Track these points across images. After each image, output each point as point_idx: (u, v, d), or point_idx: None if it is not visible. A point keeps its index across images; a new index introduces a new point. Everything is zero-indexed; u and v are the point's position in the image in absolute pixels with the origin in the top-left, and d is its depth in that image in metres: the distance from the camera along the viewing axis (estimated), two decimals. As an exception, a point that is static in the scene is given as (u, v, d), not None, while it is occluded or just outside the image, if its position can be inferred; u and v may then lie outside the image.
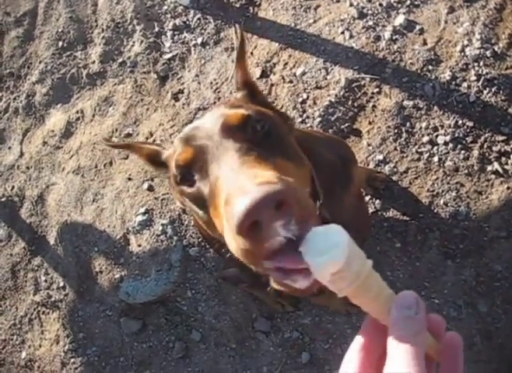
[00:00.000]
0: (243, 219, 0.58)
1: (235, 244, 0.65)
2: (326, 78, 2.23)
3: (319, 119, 2.16)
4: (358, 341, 0.57)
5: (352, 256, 0.53)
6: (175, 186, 0.94)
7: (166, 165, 1.08)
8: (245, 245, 0.61)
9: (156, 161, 1.11)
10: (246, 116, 0.90)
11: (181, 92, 2.55)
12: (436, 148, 1.99)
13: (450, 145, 1.98)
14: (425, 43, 2.13)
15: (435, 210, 1.96)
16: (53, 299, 2.60)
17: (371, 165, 2.06)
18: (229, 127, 0.88)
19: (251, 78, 1.15)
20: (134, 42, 2.79)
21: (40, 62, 3.07)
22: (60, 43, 3.02)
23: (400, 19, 2.18)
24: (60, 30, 3.04)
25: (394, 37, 2.18)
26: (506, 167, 1.91)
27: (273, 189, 0.59)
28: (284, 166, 0.84)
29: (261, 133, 0.89)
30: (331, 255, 0.53)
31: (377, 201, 2.02)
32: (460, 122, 1.99)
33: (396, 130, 2.05)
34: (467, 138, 1.97)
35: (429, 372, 0.52)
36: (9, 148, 3.05)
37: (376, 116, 2.11)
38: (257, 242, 0.59)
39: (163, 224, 2.36)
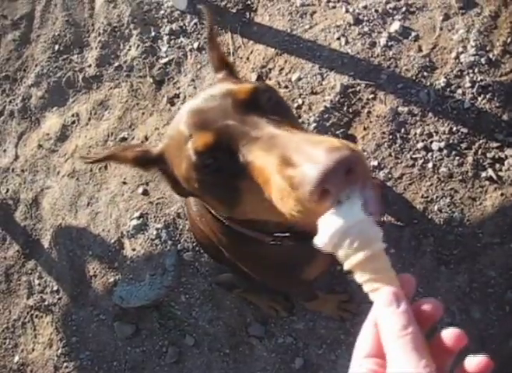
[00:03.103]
0: (317, 187, 0.59)
1: (296, 207, 0.65)
2: (321, 84, 2.23)
3: (314, 124, 2.16)
4: (371, 319, 0.58)
5: (354, 233, 0.57)
6: (194, 176, 0.87)
7: (160, 162, 1.00)
8: (309, 209, 0.63)
9: (146, 162, 1.03)
10: (254, 89, 0.86)
11: (177, 96, 2.56)
12: (430, 154, 2.00)
13: (445, 151, 1.98)
14: (420, 50, 2.14)
15: (429, 217, 1.96)
16: (46, 303, 2.59)
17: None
18: (242, 103, 0.83)
19: (227, 57, 1.12)
20: (130, 46, 2.79)
21: (36, 65, 3.06)
22: (56, 47, 3.02)
23: (395, 26, 2.19)
24: (56, 34, 3.04)
25: (389, 44, 2.18)
26: (500, 173, 1.92)
27: (346, 155, 0.59)
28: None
29: (271, 104, 0.86)
30: (331, 229, 0.58)
31: (372, 207, 2.01)
32: (454, 128, 2.00)
33: (391, 136, 2.06)
34: (461, 145, 1.98)
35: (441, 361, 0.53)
36: (4, 151, 3.04)
37: (371, 122, 2.11)
38: (323, 207, 0.60)
39: (157, 229, 2.35)
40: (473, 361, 0.52)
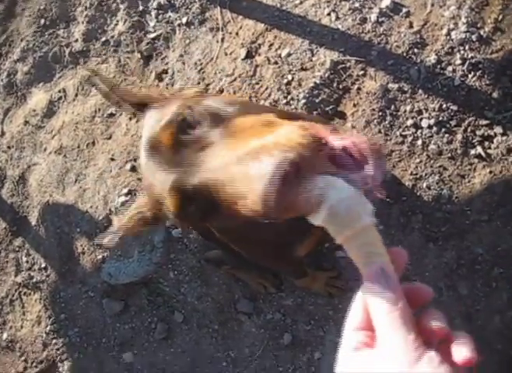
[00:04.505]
0: (265, 212, 0.63)
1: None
2: (311, 60, 2.21)
3: (304, 101, 2.15)
4: (361, 293, 0.59)
5: (343, 208, 0.58)
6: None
7: (160, 217, 1.00)
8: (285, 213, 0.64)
9: (151, 222, 1.04)
10: (172, 132, 0.84)
11: (165, 72, 2.53)
12: (420, 131, 2.00)
13: (434, 129, 1.98)
14: (411, 26, 2.12)
15: (418, 194, 1.96)
16: (34, 280, 2.59)
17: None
18: (172, 147, 0.83)
19: (138, 95, 1.09)
20: (117, 21, 2.74)
21: (21, 40, 3.01)
22: (42, 21, 2.96)
23: (386, 2, 2.17)
24: (42, 8, 2.98)
25: (380, 20, 2.16)
26: (489, 151, 1.92)
27: (282, 159, 0.60)
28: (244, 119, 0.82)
29: (196, 125, 0.83)
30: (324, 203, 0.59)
31: (361, 184, 2.01)
32: (444, 106, 1.99)
33: (380, 113, 2.05)
34: (451, 122, 1.98)
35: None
36: (-10, 127, 3.01)
37: (360, 98, 2.10)
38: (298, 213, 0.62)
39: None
40: (460, 353, 0.53)
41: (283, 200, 0.61)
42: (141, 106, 1.05)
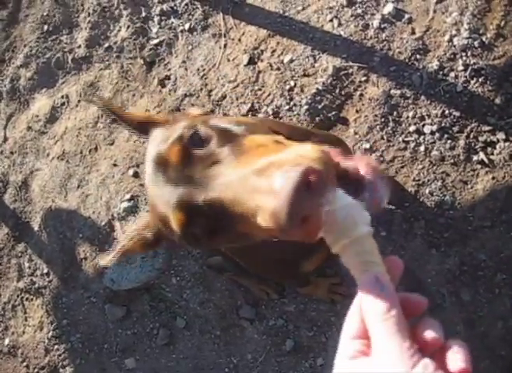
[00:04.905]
0: (291, 220, 0.59)
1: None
2: (314, 66, 2.22)
3: (306, 107, 2.15)
4: (357, 301, 0.59)
5: (341, 217, 0.59)
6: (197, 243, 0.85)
7: (162, 239, 0.98)
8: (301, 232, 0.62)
9: (152, 245, 1.00)
10: (180, 148, 0.81)
11: (168, 78, 2.53)
12: (422, 137, 2.00)
13: (437, 135, 1.98)
14: (413, 33, 2.12)
15: (420, 200, 1.96)
16: (37, 286, 2.59)
17: (357, 154, 2.06)
18: (179, 164, 0.79)
19: (138, 116, 1.05)
20: (120, 27, 2.75)
21: (24, 46, 3.02)
22: (45, 27, 2.97)
23: (389, 8, 2.17)
24: (45, 14, 2.99)
25: (382, 26, 2.17)
26: (491, 157, 1.92)
27: (297, 180, 0.58)
28: (257, 139, 0.80)
29: (203, 142, 0.80)
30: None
31: (363, 190, 2.01)
32: (447, 112, 1.99)
33: (383, 119, 2.05)
34: (453, 128, 1.98)
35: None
36: (-7, 132, 3.02)
37: (363, 104, 2.11)
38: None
39: (148, 211, 2.34)
40: (455, 363, 0.52)
41: (301, 212, 0.59)
42: (143, 127, 1.01)
